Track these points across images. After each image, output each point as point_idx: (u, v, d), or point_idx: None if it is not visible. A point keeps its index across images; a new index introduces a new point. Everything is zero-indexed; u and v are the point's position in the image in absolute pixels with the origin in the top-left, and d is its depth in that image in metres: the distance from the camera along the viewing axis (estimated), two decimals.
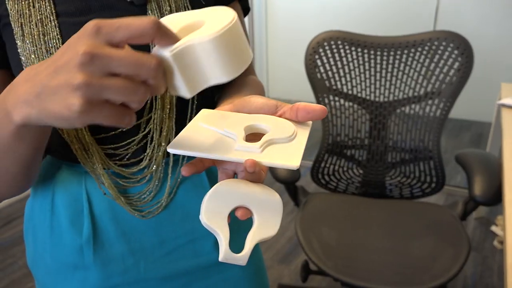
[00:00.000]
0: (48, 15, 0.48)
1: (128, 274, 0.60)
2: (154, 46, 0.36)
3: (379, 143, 1.44)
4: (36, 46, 0.48)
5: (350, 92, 1.42)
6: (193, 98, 0.57)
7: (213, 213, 0.39)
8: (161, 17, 0.52)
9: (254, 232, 0.38)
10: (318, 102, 1.43)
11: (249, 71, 0.68)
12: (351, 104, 1.43)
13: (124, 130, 0.54)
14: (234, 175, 0.43)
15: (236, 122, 0.41)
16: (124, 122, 0.33)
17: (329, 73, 1.40)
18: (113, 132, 0.54)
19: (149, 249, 0.60)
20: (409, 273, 1.12)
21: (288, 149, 0.38)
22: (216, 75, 0.35)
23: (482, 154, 1.28)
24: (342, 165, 1.49)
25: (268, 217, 0.39)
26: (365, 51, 1.39)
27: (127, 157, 0.56)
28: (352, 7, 2.99)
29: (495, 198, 1.13)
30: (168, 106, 0.55)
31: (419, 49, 1.35)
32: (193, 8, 0.55)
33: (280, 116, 0.42)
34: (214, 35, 0.33)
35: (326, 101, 1.42)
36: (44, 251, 0.61)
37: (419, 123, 1.39)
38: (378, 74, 1.40)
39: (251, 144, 0.37)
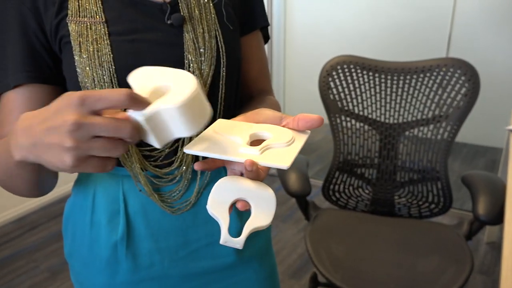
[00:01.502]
0: (102, 35, 0.58)
1: (153, 269, 0.68)
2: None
3: (388, 162, 1.50)
4: (91, 60, 0.57)
5: (361, 113, 1.50)
6: (219, 109, 0.66)
7: (217, 203, 0.46)
8: (195, 36, 0.62)
9: (250, 221, 0.45)
10: (331, 121, 1.50)
11: (267, 91, 0.77)
12: (362, 124, 1.50)
13: None
14: (241, 175, 0.50)
15: (243, 130, 0.49)
16: (106, 170, 0.42)
17: (342, 94, 1.48)
18: None
19: (173, 248, 0.67)
20: (414, 286, 1.16)
21: (283, 153, 0.45)
22: (179, 132, 0.43)
23: (487, 175, 1.33)
24: (353, 183, 1.55)
25: (263, 209, 0.46)
26: (376, 75, 1.47)
27: (160, 158, 0.64)
28: (368, 33, 3.08)
29: (498, 217, 1.18)
30: None
31: (428, 74, 1.42)
32: (223, 30, 0.64)
33: (284, 126, 0.50)
34: (178, 104, 0.40)
35: (338, 121, 1.50)
36: (81, 245, 0.69)
37: (427, 144, 1.45)
38: (388, 97, 1.48)
39: (253, 148, 0.45)
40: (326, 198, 1.58)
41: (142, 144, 0.63)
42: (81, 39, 0.57)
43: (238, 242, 0.45)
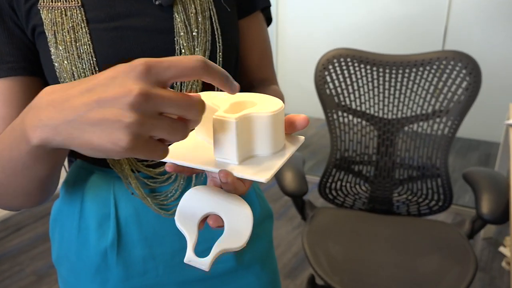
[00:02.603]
0: (80, 22, 0.51)
1: (147, 276, 0.62)
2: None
3: (386, 159, 1.45)
4: (68, 52, 0.51)
5: (358, 108, 1.44)
6: None
7: (185, 216, 0.40)
8: (187, 18, 0.55)
9: (221, 240, 0.39)
10: (327, 117, 1.45)
11: (270, 80, 0.70)
12: (359, 120, 1.45)
13: None
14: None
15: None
16: (161, 156, 0.34)
17: (338, 89, 1.43)
18: None
19: (169, 254, 0.62)
20: None
21: (265, 163, 0.38)
22: (261, 147, 0.39)
23: (490, 173, 1.29)
24: (350, 180, 1.50)
25: (237, 228, 0.39)
26: (374, 68, 1.41)
27: None
28: (362, 26, 3.03)
29: (503, 216, 1.13)
30: None
31: (428, 68, 1.37)
32: (218, 11, 0.58)
33: None
34: (272, 113, 0.37)
35: (335, 116, 1.44)
36: (69, 250, 0.63)
37: (427, 140, 1.41)
38: (386, 92, 1.42)
39: (230, 158, 0.38)
40: (322, 196, 1.53)
41: None
42: (55, 28, 0.51)
43: (204, 264, 0.38)
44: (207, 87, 0.58)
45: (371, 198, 1.50)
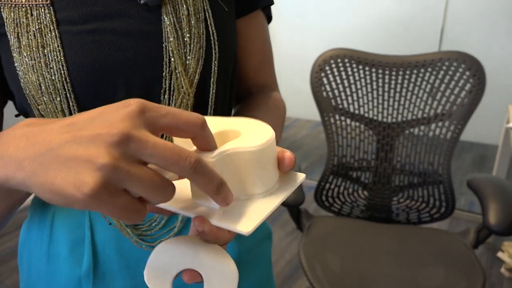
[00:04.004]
0: (48, 24, 0.43)
1: None
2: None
3: (386, 165, 1.39)
4: (34, 60, 0.43)
5: (356, 111, 1.37)
6: (209, 114, 0.53)
7: (156, 273, 0.34)
8: (178, 20, 0.47)
9: None
10: (324, 121, 1.37)
11: (270, 86, 0.63)
12: (357, 124, 1.38)
13: None
14: None
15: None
16: (132, 220, 0.28)
17: (335, 91, 1.36)
18: None
19: None
20: None
21: (251, 208, 0.32)
22: (247, 188, 0.33)
23: (496, 180, 1.23)
24: (347, 187, 1.43)
25: (218, 287, 0.34)
26: (373, 70, 1.34)
27: None
28: (356, 26, 2.98)
29: (511, 227, 1.07)
30: None
31: (429, 69, 1.31)
32: (214, 12, 0.51)
33: None
34: (256, 147, 0.32)
35: (332, 120, 1.37)
36: (38, 280, 0.56)
37: (429, 145, 1.34)
38: (386, 94, 1.36)
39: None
40: (318, 204, 1.46)
41: None
42: (19, 29, 0.43)
43: None
44: (199, 103, 0.51)
45: (369, 206, 1.43)
